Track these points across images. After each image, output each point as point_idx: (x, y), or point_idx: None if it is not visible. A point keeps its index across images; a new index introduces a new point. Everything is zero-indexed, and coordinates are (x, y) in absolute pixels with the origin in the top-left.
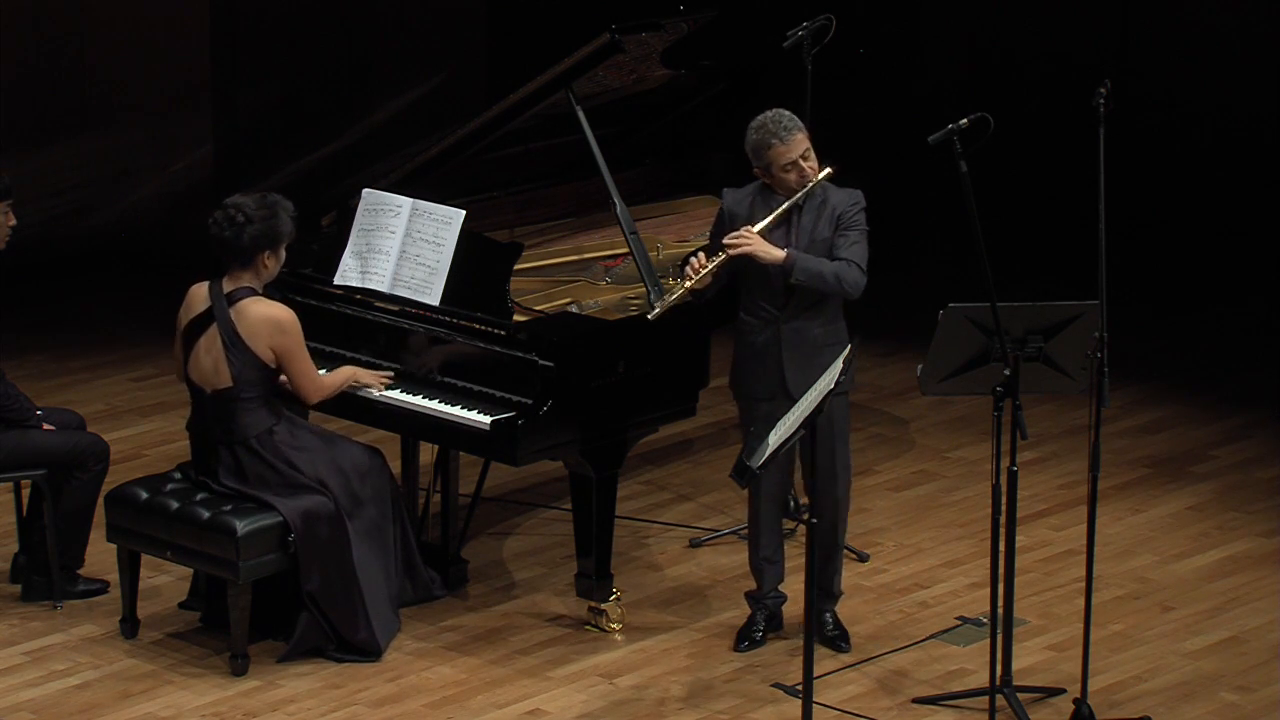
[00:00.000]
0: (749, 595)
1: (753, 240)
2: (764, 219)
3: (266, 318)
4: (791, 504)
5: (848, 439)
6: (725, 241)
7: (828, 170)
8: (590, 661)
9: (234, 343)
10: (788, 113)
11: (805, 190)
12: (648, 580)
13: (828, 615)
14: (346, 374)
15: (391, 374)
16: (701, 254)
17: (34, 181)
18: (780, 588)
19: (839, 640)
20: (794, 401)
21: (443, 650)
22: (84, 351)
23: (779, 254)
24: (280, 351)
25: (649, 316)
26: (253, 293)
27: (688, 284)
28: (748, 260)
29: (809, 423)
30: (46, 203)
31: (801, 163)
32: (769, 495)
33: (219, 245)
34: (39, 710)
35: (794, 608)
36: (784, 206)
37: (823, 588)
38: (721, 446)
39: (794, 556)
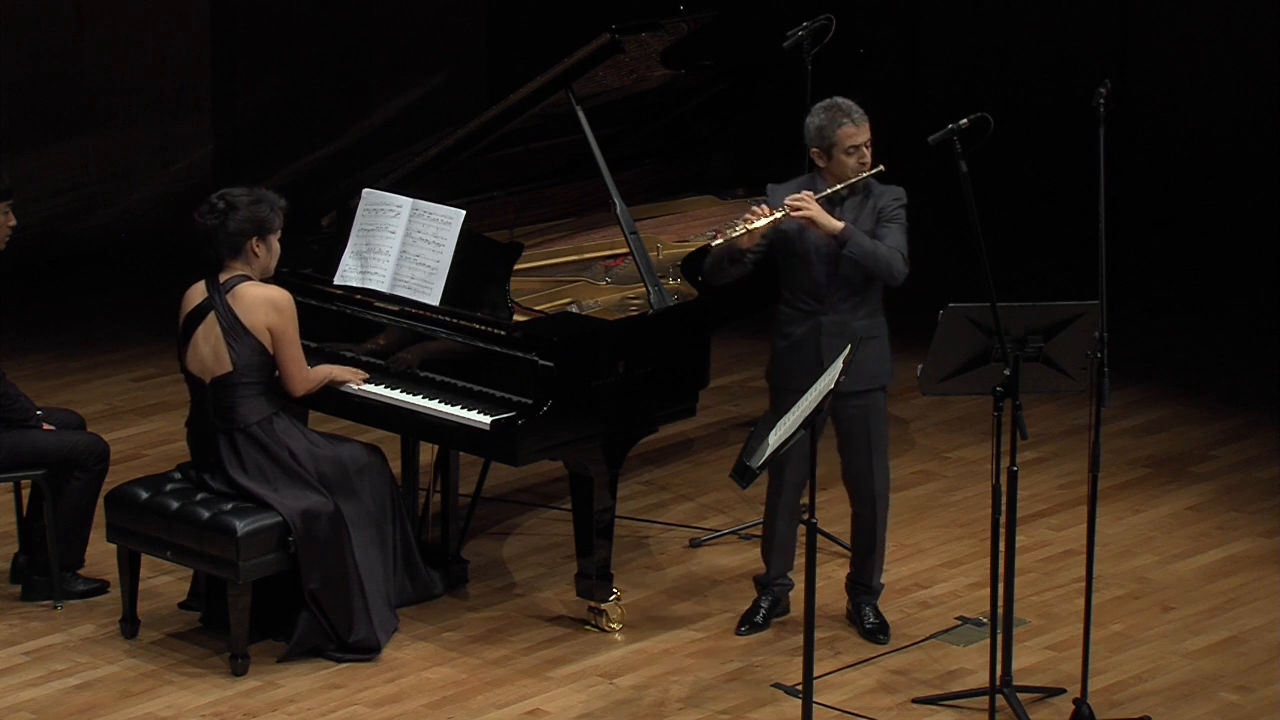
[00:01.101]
0: (756, 579)
1: (813, 206)
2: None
3: (263, 297)
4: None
5: (887, 434)
6: (787, 201)
7: (880, 168)
8: (590, 661)
9: (233, 327)
10: (854, 102)
11: (860, 177)
12: (648, 580)
13: (867, 609)
14: (326, 371)
15: (365, 373)
16: (765, 205)
17: (34, 182)
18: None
19: (877, 632)
20: (833, 393)
21: (443, 650)
22: (84, 351)
23: (837, 225)
24: (275, 332)
25: (711, 245)
26: (247, 279)
27: (750, 226)
28: (787, 242)
29: (809, 422)
30: (46, 203)
31: (864, 149)
32: (791, 484)
33: (206, 234)
34: (39, 710)
35: (797, 610)
36: (840, 186)
37: (861, 582)
38: (721, 446)
39: (796, 555)
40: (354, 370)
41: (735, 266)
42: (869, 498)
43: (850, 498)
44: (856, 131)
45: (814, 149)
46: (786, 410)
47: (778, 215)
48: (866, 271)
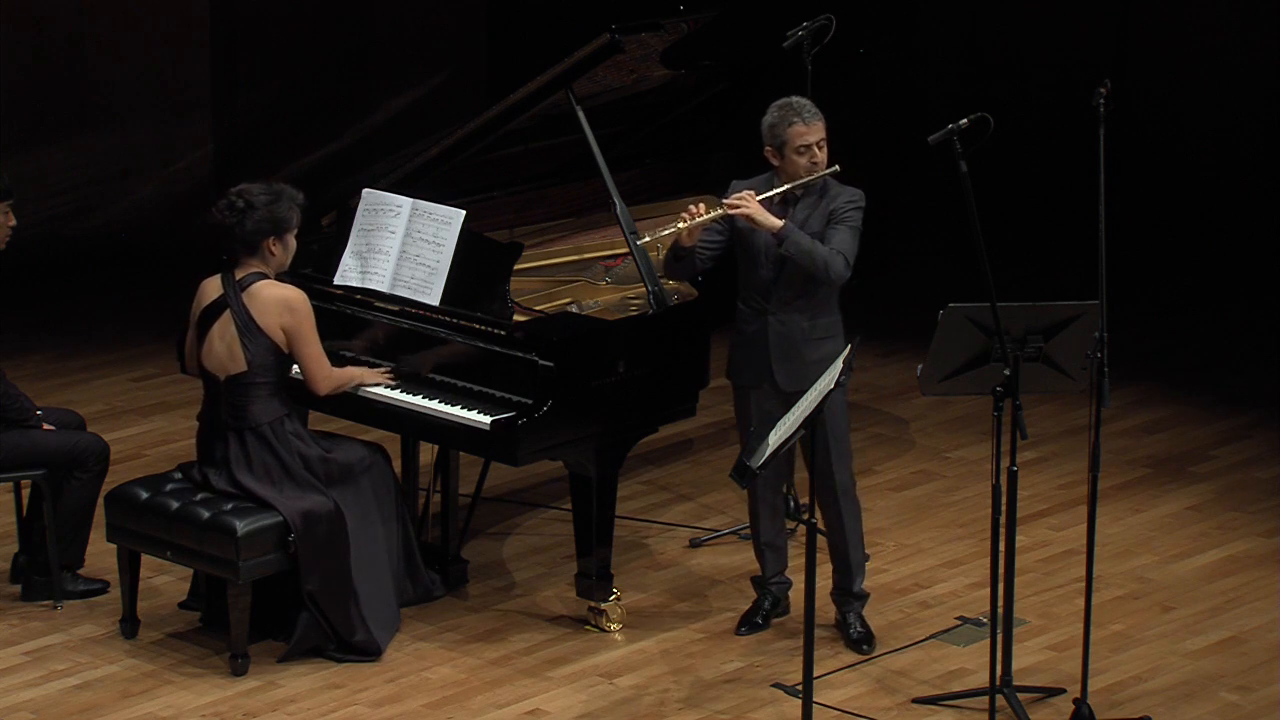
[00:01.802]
0: (754, 579)
1: (751, 204)
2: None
3: (277, 297)
4: (791, 504)
5: (846, 431)
6: (726, 200)
7: (835, 168)
8: (590, 661)
9: (247, 327)
10: (809, 101)
11: (813, 177)
12: (648, 580)
13: (851, 616)
14: (355, 373)
15: (391, 372)
16: (703, 204)
17: (34, 181)
18: (786, 573)
19: (861, 643)
20: (780, 391)
21: (443, 650)
22: (84, 351)
23: (775, 223)
24: (290, 331)
25: (638, 241)
26: (263, 277)
27: (681, 226)
28: (742, 240)
29: (809, 422)
30: (47, 203)
31: (816, 149)
32: (766, 481)
33: (223, 232)
34: (39, 710)
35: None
36: (790, 185)
37: (842, 588)
38: (721, 446)
39: (795, 555)
40: (381, 372)
41: (682, 263)
42: (833, 496)
43: (818, 497)
44: (807, 131)
45: (767, 147)
46: (745, 406)
47: (715, 213)
48: (808, 273)
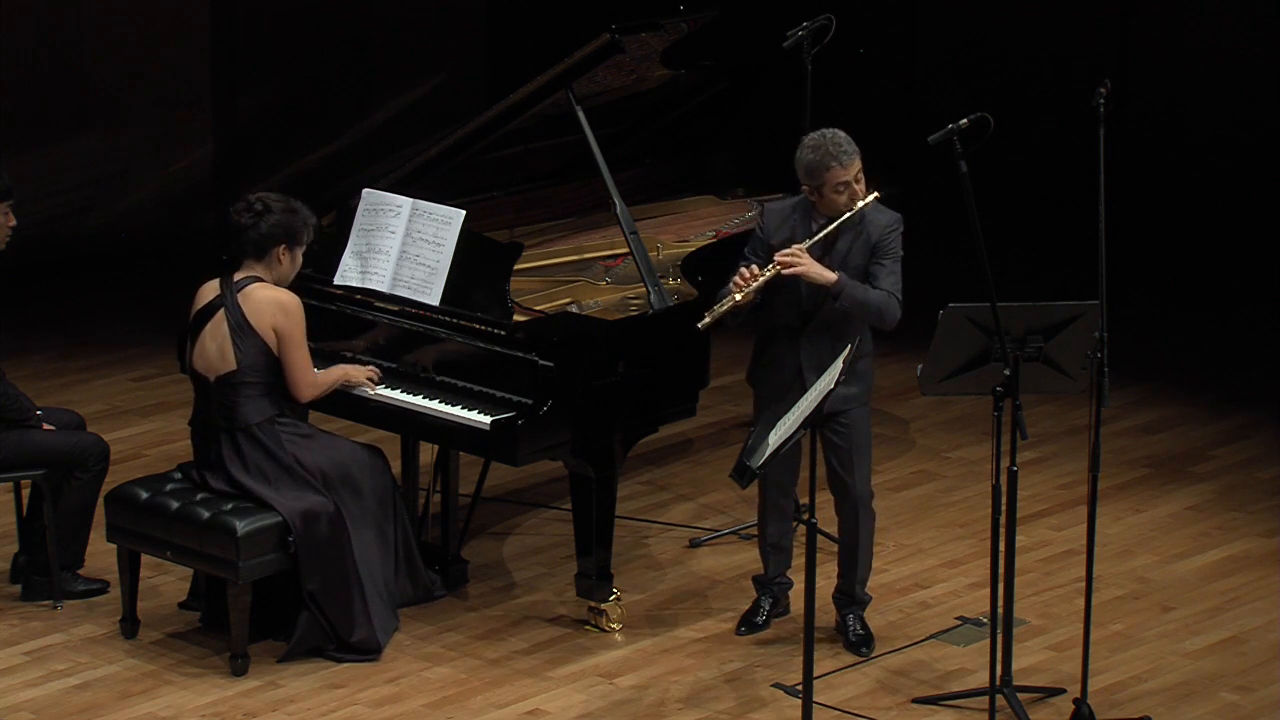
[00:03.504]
0: (756, 579)
1: (804, 260)
2: (810, 238)
3: (271, 299)
4: (793, 505)
5: (869, 441)
6: (778, 258)
7: (875, 194)
8: (590, 661)
9: (241, 327)
10: (843, 134)
11: (854, 211)
12: (648, 580)
13: (851, 618)
14: (339, 373)
15: (378, 370)
16: (754, 266)
17: (34, 181)
18: (788, 574)
19: (861, 645)
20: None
21: (443, 650)
22: (84, 351)
23: (830, 277)
24: (281, 333)
25: (699, 326)
26: (261, 281)
27: (739, 296)
28: (777, 277)
29: (809, 422)
30: (46, 202)
31: (854, 184)
32: (777, 483)
33: (236, 232)
34: (39, 710)
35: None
36: (833, 226)
37: (845, 592)
38: (721, 446)
39: (796, 555)
40: (369, 369)
41: (737, 319)
42: (850, 503)
43: (834, 502)
44: (844, 171)
45: (804, 185)
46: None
47: (768, 275)
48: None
